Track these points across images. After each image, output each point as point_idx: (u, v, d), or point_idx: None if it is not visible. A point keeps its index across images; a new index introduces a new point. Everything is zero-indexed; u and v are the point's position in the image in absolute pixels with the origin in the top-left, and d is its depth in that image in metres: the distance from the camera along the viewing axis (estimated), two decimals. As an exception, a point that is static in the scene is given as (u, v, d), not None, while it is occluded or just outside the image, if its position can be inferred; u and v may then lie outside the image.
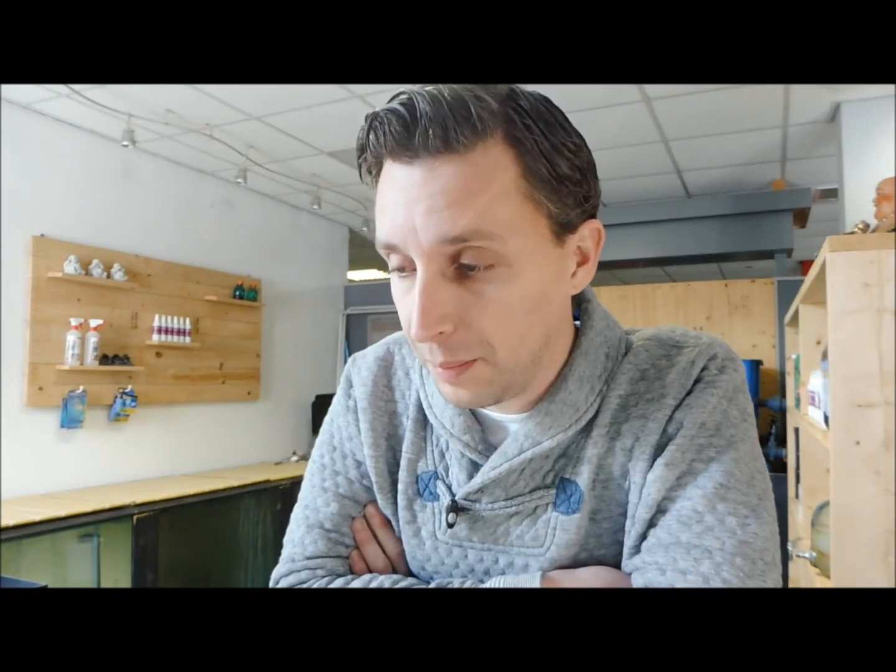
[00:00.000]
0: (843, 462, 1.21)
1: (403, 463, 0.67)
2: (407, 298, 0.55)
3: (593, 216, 0.59)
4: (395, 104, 0.51)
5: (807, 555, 1.70)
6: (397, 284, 0.57)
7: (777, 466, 3.54)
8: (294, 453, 4.67)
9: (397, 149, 0.51)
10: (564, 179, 0.54)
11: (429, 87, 0.51)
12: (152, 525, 3.11)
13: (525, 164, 0.52)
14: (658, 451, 0.59)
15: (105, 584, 3.02)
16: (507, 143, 0.52)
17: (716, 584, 0.53)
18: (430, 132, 0.49)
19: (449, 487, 0.64)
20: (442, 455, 0.66)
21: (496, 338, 0.54)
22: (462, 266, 0.52)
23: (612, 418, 0.61)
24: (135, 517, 3.03)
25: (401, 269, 0.55)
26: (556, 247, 0.56)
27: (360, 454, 0.69)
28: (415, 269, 0.53)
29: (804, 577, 2.07)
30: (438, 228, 0.50)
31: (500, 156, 0.51)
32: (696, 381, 0.60)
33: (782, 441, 3.68)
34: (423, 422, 0.68)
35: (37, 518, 2.68)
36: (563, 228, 0.56)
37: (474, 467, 0.63)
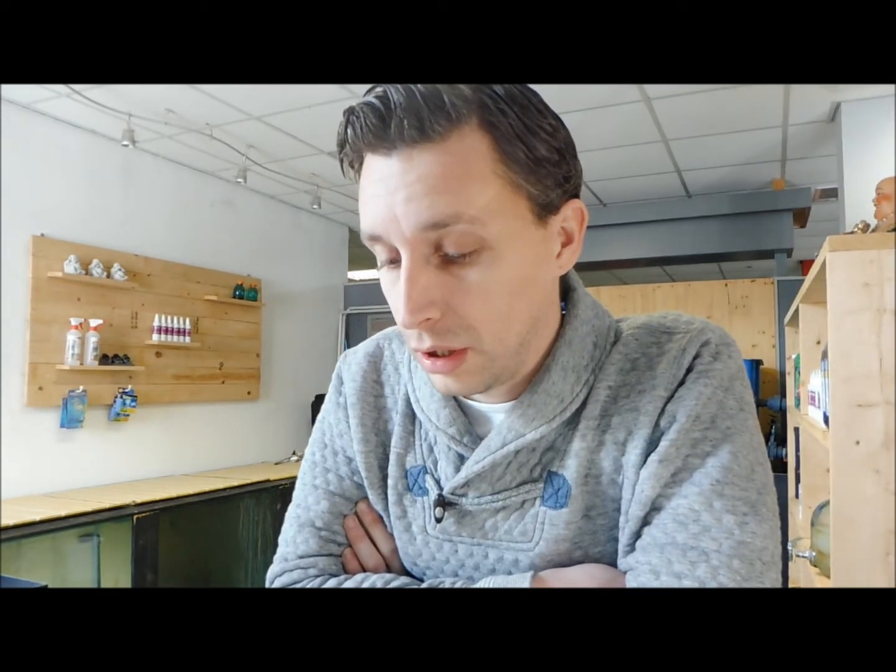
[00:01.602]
0: (843, 462, 1.21)
1: (392, 458, 0.67)
2: (395, 289, 0.55)
3: (575, 196, 0.59)
4: (369, 97, 0.52)
5: (807, 555, 1.70)
6: (385, 276, 0.57)
7: (777, 466, 3.54)
8: (294, 453, 4.67)
9: (374, 141, 0.52)
10: (543, 161, 0.54)
11: None
12: (152, 525, 3.11)
13: (501, 148, 0.52)
14: (651, 445, 0.57)
15: (105, 584, 3.02)
16: (483, 129, 0.52)
17: (712, 588, 0.52)
18: (406, 122, 0.50)
19: (437, 482, 0.64)
20: (430, 449, 0.65)
21: (482, 323, 0.54)
22: (446, 253, 0.53)
23: (601, 410, 0.60)
24: (135, 517, 3.03)
25: (389, 262, 0.56)
26: (538, 228, 0.56)
27: (350, 450, 0.69)
28: (401, 260, 0.54)
29: (804, 577, 2.07)
30: (419, 216, 0.51)
31: (476, 141, 0.52)
32: (689, 371, 0.58)
33: (782, 441, 3.68)
34: (411, 416, 0.67)
35: (37, 518, 2.68)
36: (544, 210, 0.56)
37: (461, 461, 0.62)
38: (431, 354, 0.56)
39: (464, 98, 0.51)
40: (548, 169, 0.55)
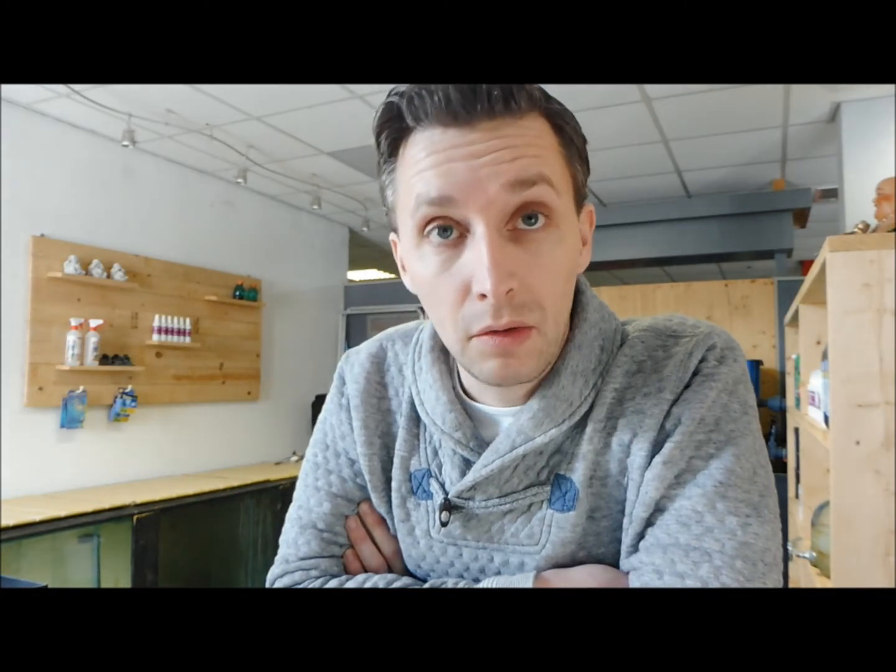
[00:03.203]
0: (843, 462, 1.21)
1: (396, 461, 0.66)
2: (454, 267, 0.54)
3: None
4: (432, 86, 0.53)
5: (807, 555, 1.70)
6: (434, 257, 0.55)
7: (777, 466, 3.54)
8: (294, 453, 4.67)
9: (459, 110, 0.52)
10: (585, 160, 0.60)
11: None
12: (152, 525, 3.11)
13: (561, 134, 0.57)
14: (656, 447, 0.58)
15: (105, 584, 3.02)
16: (545, 117, 0.56)
17: (714, 588, 0.52)
18: (495, 93, 0.52)
19: (442, 485, 0.64)
20: (435, 452, 0.65)
21: (548, 301, 0.55)
22: (516, 228, 0.54)
23: (607, 413, 0.60)
24: (135, 517, 3.03)
25: (441, 230, 0.54)
26: (575, 220, 0.59)
27: (353, 452, 0.69)
28: (460, 233, 0.54)
29: (804, 577, 2.07)
30: (508, 175, 0.52)
31: (543, 124, 0.56)
32: (695, 374, 0.59)
33: (782, 441, 3.68)
34: (415, 419, 0.67)
35: (37, 518, 2.68)
36: (579, 203, 0.59)
37: (466, 465, 0.62)
38: (494, 333, 0.54)
39: (527, 89, 0.55)
40: (585, 169, 0.59)
